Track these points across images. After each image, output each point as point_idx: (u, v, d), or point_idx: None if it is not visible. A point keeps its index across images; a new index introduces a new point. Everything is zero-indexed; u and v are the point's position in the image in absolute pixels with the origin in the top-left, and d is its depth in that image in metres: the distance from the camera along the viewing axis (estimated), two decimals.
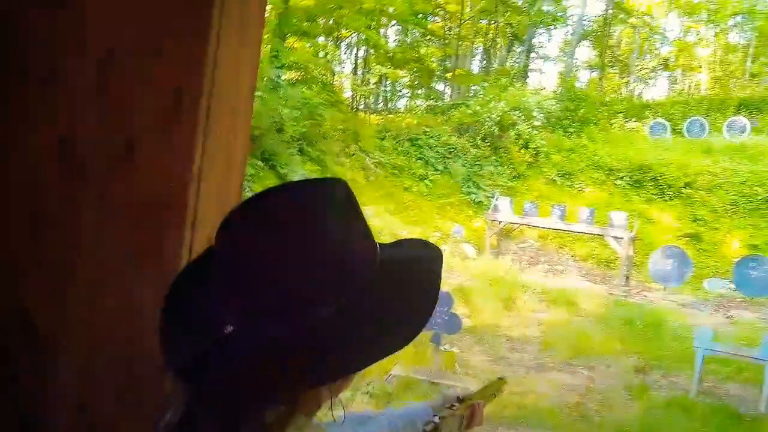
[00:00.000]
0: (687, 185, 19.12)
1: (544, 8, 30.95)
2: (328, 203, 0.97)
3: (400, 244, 1.15)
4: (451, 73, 28.75)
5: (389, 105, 29.47)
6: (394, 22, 28.30)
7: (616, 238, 15.23)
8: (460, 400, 1.50)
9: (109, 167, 1.07)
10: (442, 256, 1.12)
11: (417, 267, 1.07)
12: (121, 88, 1.08)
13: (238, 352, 0.91)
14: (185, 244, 1.05)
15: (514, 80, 26.14)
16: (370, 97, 27.60)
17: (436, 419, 1.36)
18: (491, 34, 32.11)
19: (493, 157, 20.19)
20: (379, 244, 1.06)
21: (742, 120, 24.47)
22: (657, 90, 39.96)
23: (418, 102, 28.86)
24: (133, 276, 1.07)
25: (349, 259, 0.96)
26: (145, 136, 1.06)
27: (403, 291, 1.02)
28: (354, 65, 27.31)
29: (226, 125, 1.11)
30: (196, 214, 1.05)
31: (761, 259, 14.26)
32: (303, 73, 20.31)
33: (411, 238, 1.20)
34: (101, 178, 1.07)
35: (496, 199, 17.15)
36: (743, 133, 23.57)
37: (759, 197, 18.17)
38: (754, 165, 19.57)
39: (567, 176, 20.25)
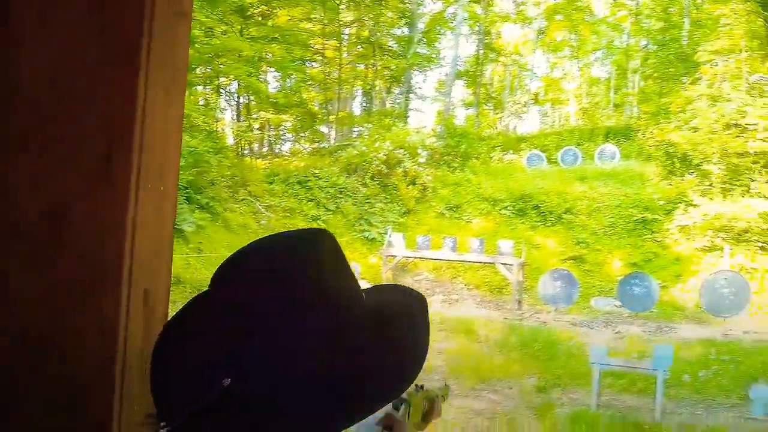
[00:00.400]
0: (567, 211, 19.90)
1: (419, 51, 31.93)
2: (321, 253, 0.96)
3: (381, 290, 1.11)
4: (333, 116, 29.13)
5: (274, 149, 29.40)
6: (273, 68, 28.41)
7: (506, 265, 15.66)
8: (420, 387, 1.53)
9: (39, 234, 1.04)
10: (426, 304, 1.09)
11: (405, 319, 1.04)
12: (49, 152, 1.05)
13: (237, 406, 0.87)
14: (122, 303, 1.04)
15: (396, 120, 26.74)
16: (255, 143, 27.47)
17: (405, 396, 1.37)
18: (370, 78, 32.78)
19: (383, 195, 20.46)
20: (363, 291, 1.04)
21: (612, 147, 26.03)
22: (530, 123, 41.83)
23: (304, 145, 28.99)
24: (73, 344, 1.04)
25: (344, 311, 0.94)
26: (77, 201, 1.04)
27: (394, 343, 0.98)
28: (237, 112, 27.15)
29: (156, 179, 1.10)
30: (131, 273, 1.04)
31: (642, 276, 15.04)
32: (185, 121, 19.98)
33: (391, 285, 1.16)
34: (30, 246, 1.04)
35: (390, 235, 17.33)
36: (613, 159, 25.04)
37: (634, 218, 19.14)
38: (626, 188, 20.65)
39: (455, 209, 20.70)
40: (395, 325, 1.00)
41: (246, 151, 25.81)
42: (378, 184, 20.62)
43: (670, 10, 33.39)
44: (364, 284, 1.06)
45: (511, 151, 28.89)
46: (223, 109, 28.14)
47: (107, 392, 1.00)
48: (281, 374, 0.88)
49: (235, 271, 0.94)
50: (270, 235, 1.00)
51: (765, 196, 17.42)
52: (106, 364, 1.00)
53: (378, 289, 1.11)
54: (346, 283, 0.98)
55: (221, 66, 23.13)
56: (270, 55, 25.11)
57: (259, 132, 26.72)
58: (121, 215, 1.00)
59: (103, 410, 0.99)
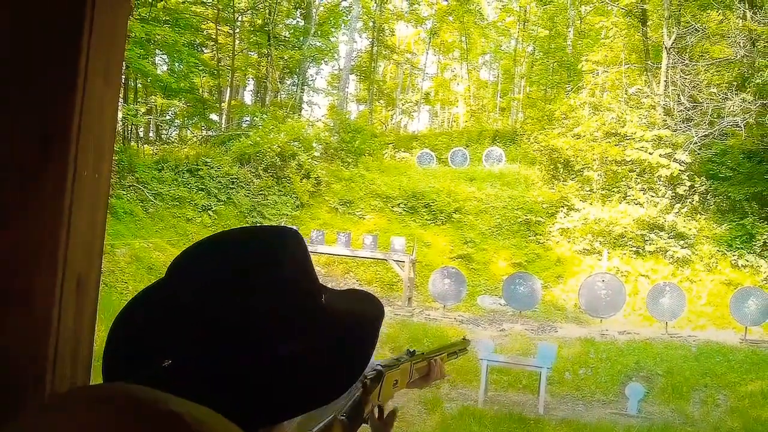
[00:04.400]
0: (456, 210, 20.32)
1: (314, 43, 31.77)
2: (285, 247, 0.98)
3: (344, 293, 1.14)
4: (225, 103, 28.56)
5: (162, 135, 28.48)
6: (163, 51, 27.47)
7: (398, 261, 15.87)
8: (411, 353, 1.52)
9: None
10: (383, 315, 1.11)
11: (356, 323, 1.05)
12: None
13: (171, 386, 0.85)
14: (56, 287, 1.04)
15: (290, 112, 26.53)
16: (141, 128, 26.49)
17: (380, 367, 1.33)
18: (264, 67, 32.32)
19: (277, 187, 20.22)
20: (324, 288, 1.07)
21: (498, 150, 26.88)
22: (420, 123, 42.53)
23: (194, 133, 28.24)
24: (4, 327, 1.03)
25: (300, 304, 0.97)
26: (12, 182, 1.03)
27: (341, 342, 1.00)
28: (124, 95, 26.07)
29: (92, 165, 1.11)
30: (66, 258, 1.05)
31: (526, 276, 15.66)
32: None
33: (356, 290, 1.18)
34: None
35: None
36: (500, 162, 25.86)
37: (519, 220, 19.79)
38: (512, 190, 21.37)
39: (348, 204, 20.75)
40: (345, 326, 1.01)
41: (132, 136, 24.86)
42: (271, 176, 20.37)
43: (556, 18, 34.68)
44: None
45: (403, 149, 29.30)
46: None
47: (39, 377, 0.98)
48: (223, 363, 0.89)
49: (194, 262, 0.96)
50: (239, 228, 1.04)
51: (640, 203, 18.52)
52: (38, 348, 0.99)
53: (343, 292, 1.13)
54: (308, 277, 1.01)
55: None
56: (159, 35, 24.24)
57: (147, 117, 25.78)
58: (59, 199, 0.99)
59: (34, 394, 0.99)
